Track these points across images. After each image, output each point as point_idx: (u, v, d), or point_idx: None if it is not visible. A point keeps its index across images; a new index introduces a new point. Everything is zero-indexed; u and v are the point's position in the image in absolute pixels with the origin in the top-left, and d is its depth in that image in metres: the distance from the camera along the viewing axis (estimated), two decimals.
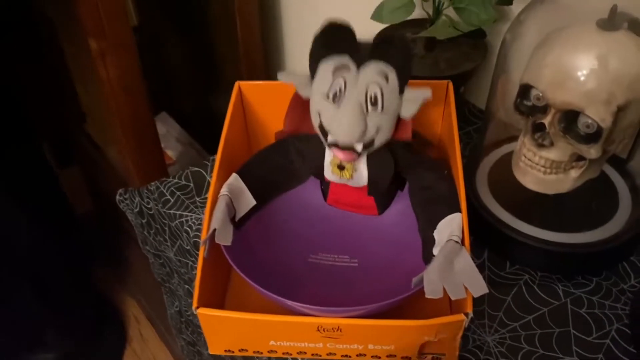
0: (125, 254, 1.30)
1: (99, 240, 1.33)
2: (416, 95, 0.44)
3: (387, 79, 0.43)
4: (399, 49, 0.44)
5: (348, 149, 0.45)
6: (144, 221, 0.68)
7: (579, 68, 0.44)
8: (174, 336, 1.23)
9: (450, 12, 0.61)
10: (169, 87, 1.24)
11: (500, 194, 0.55)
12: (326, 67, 0.45)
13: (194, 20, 1.08)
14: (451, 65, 0.61)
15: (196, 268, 0.61)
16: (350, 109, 0.43)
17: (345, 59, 0.44)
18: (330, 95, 0.44)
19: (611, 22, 0.44)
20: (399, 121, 0.46)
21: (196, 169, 0.64)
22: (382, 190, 0.51)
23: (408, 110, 0.45)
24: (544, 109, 0.47)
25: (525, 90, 0.48)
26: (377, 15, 0.63)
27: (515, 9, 0.55)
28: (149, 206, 0.64)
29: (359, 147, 0.45)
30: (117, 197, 0.69)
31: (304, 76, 0.46)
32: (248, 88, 0.56)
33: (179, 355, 1.25)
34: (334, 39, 0.44)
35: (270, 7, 0.97)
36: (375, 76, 0.43)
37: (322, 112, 0.45)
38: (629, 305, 0.49)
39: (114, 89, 0.82)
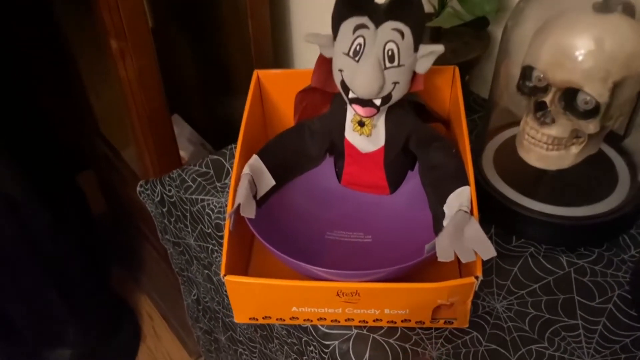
0: (139, 253, 1.33)
1: (114, 241, 1.36)
2: (430, 50, 0.47)
3: (402, 35, 0.46)
4: (413, 8, 0.47)
5: (368, 103, 0.48)
6: (164, 209, 0.71)
7: (577, 48, 0.47)
8: (187, 332, 1.27)
9: (454, 4, 0.65)
10: (181, 90, 1.28)
11: (505, 173, 0.59)
12: (347, 26, 0.48)
13: (205, 24, 1.12)
14: (456, 55, 0.64)
15: (216, 251, 0.64)
16: (370, 65, 0.46)
17: (365, 19, 0.47)
18: (351, 53, 0.47)
19: (606, 5, 0.48)
20: (413, 76, 0.49)
21: (215, 156, 0.67)
22: (397, 150, 0.53)
23: (422, 66, 0.48)
24: (545, 89, 0.50)
25: (527, 71, 0.51)
26: None
27: None
28: (170, 194, 0.68)
29: (378, 102, 0.48)
30: (138, 188, 0.72)
31: (327, 37, 0.50)
32: (266, 77, 0.59)
33: (192, 351, 1.27)
34: (354, 1, 0.48)
35: (280, 8, 1.00)
36: (392, 33, 0.46)
37: (343, 68, 0.48)
38: (629, 273, 0.52)
39: (133, 87, 0.85)
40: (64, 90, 1.27)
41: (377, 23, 0.47)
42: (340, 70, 0.49)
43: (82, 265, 1.11)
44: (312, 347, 0.53)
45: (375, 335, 0.49)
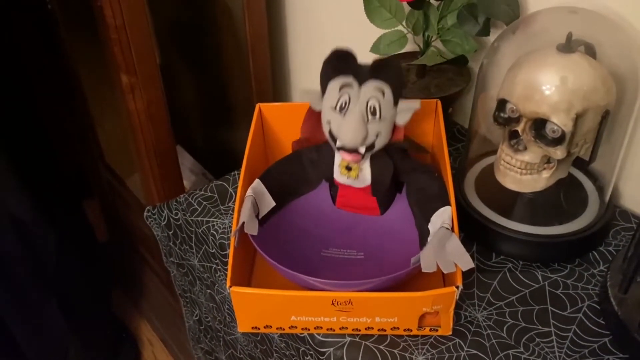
0: (140, 279, 1.37)
1: (116, 266, 1.40)
2: (408, 107, 0.55)
3: (383, 93, 0.53)
4: (393, 69, 0.54)
5: (353, 151, 0.54)
6: (170, 232, 0.76)
7: (544, 84, 0.54)
8: (186, 357, 1.29)
9: (438, 44, 0.71)
10: (183, 122, 1.34)
11: (485, 196, 0.64)
12: (334, 85, 0.54)
13: (208, 61, 1.19)
14: (440, 89, 0.71)
15: (219, 270, 0.69)
16: (354, 118, 0.53)
17: (349, 79, 0.54)
18: (338, 108, 0.54)
19: (568, 46, 0.54)
20: (394, 127, 0.55)
21: (220, 182, 0.72)
22: (383, 189, 0.59)
23: (402, 119, 0.55)
24: (518, 119, 0.56)
25: (501, 104, 0.57)
26: (375, 49, 0.73)
27: (491, 37, 0.65)
28: (177, 217, 0.73)
29: (362, 150, 0.54)
30: (145, 213, 0.77)
31: (316, 93, 0.56)
32: (267, 109, 0.66)
33: None
34: (340, 63, 0.54)
35: (279, 46, 1.07)
36: (373, 91, 0.53)
37: (331, 121, 0.55)
38: (598, 286, 0.57)
39: (141, 119, 0.91)
40: (72, 122, 1.33)
41: (361, 82, 0.54)
42: (329, 122, 0.55)
43: (85, 287, 1.15)
44: (309, 357, 0.57)
45: (367, 343, 0.54)
